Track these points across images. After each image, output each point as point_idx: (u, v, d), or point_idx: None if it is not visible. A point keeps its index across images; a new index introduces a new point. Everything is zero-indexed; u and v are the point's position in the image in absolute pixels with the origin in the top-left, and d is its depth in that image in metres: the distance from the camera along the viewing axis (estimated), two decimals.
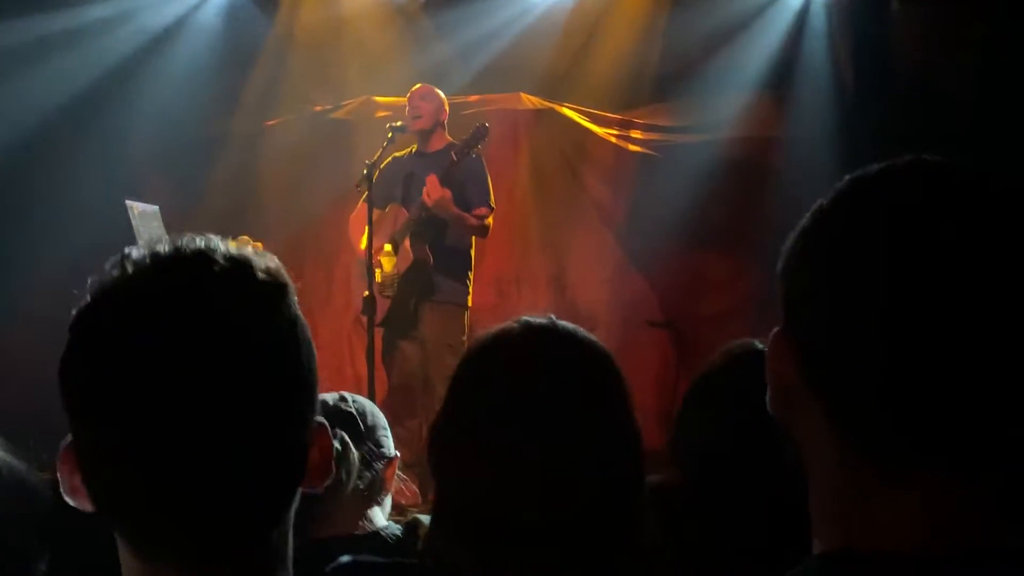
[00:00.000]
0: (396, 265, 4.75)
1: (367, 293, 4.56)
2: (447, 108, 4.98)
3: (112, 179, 5.82)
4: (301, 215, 5.81)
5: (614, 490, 1.25)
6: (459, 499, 1.26)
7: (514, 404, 1.25)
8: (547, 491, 1.21)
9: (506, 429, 1.23)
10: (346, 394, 1.95)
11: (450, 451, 1.30)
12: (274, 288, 0.85)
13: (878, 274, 0.77)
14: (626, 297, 6.11)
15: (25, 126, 5.53)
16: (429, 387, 4.70)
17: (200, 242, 0.84)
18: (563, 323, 1.32)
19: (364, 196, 4.79)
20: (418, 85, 4.97)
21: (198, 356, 0.79)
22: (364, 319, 4.52)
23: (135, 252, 0.84)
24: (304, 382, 0.86)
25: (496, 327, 1.34)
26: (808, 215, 0.83)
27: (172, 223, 5.16)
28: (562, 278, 6.30)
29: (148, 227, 4.79)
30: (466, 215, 4.71)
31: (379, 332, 4.71)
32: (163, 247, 0.84)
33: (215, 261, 0.83)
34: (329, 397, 1.91)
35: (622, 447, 1.28)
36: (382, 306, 4.68)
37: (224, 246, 0.85)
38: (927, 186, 0.79)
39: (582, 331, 1.33)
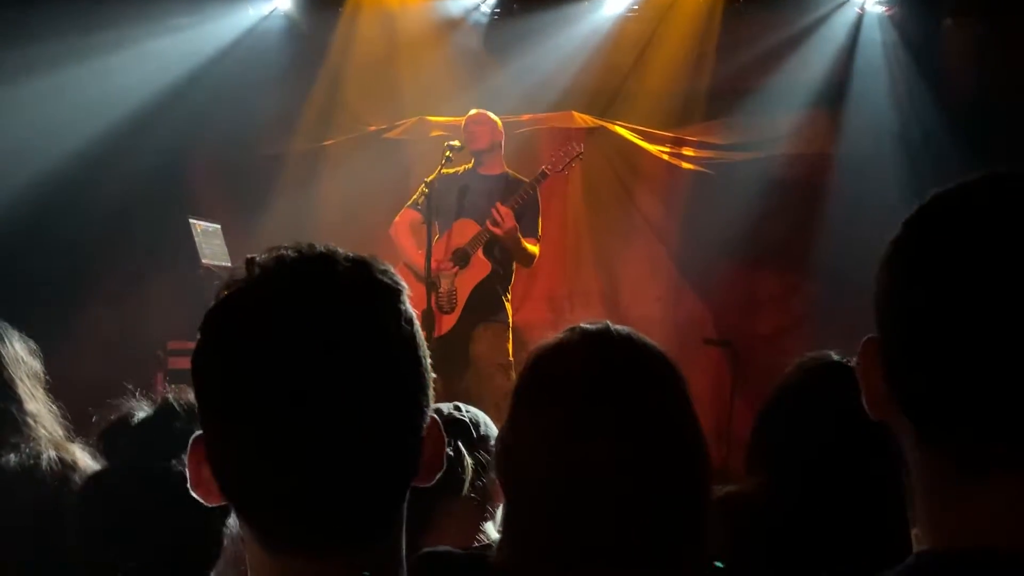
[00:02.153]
0: (454, 281, 4.79)
1: (425, 307, 4.60)
2: (501, 130, 5.03)
3: (172, 198, 5.95)
4: (357, 233, 5.90)
5: (681, 495, 1.25)
6: (530, 511, 1.27)
7: (579, 415, 1.25)
8: (617, 501, 1.21)
9: (573, 440, 1.23)
10: (460, 404, 1.96)
11: (518, 464, 1.30)
12: (393, 288, 0.88)
13: (953, 284, 0.79)
14: (680, 314, 6.10)
15: (83, 146, 5.64)
16: (478, 406, 4.71)
17: (320, 246, 0.88)
18: (618, 328, 1.32)
19: (409, 203, 4.90)
20: (473, 111, 5.02)
21: (328, 352, 0.82)
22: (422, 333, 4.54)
23: (261, 256, 0.87)
24: (422, 377, 0.89)
25: (552, 338, 1.34)
26: (900, 225, 0.86)
27: (232, 241, 5.26)
28: (615, 295, 6.30)
29: (210, 244, 4.89)
30: (526, 244, 4.76)
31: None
32: (287, 251, 0.87)
33: (338, 262, 0.87)
34: (444, 406, 1.93)
35: (688, 450, 1.28)
36: (439, 321, 4.72)
37: (342, 250, 0.89)
38: (1000, 200, 0.81)
39: (637, 334, 1.33)
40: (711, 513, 1.28)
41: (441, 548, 1.45)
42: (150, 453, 1.31)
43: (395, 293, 0.88)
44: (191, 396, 1.34)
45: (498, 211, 4.63)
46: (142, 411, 1.38)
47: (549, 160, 4.87)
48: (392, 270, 0.90)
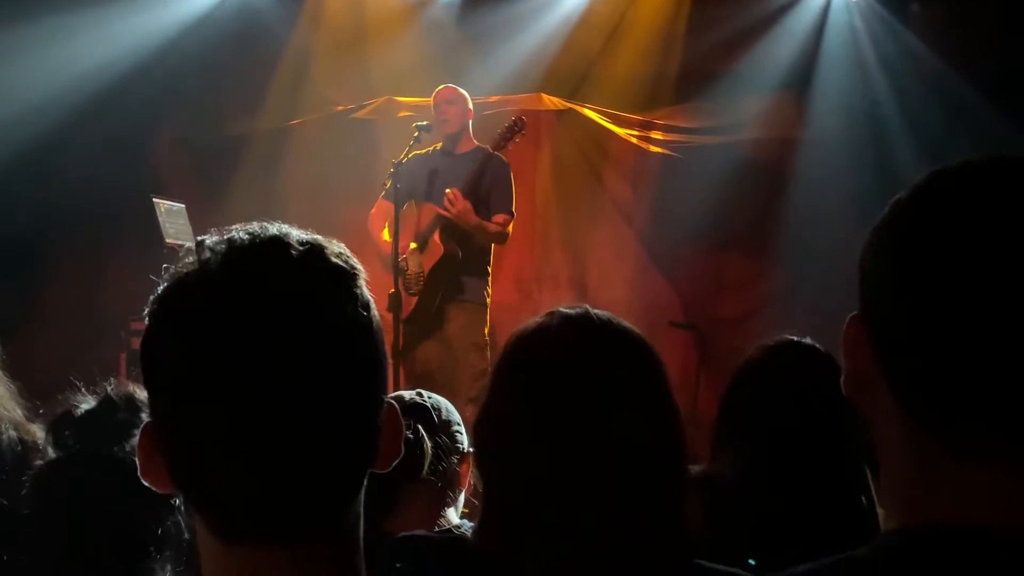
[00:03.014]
0: (421, 263, 4.77)
1: (392, 290, 4.59)
2: (471, 107, 4.98)
3: (136, 177, 5.87)
4: (324, 214, 5.86)
5: (660, 477, 1.26)
6: (507, 494, 1.27)
7: (557, 397, 1.25)
8: (596, 482, 1.22)
9: (551, 422, 1.24)
10: (422, 391, 1.96)
11: (495, 446, 1.31)
12: (347, 272, 0.86)
13: (956, 264, 0.79)
14: (646, 297, 6.12)
15: (46, 125, 5.54)
16: (452, 385, 4.71)
17: (273, 228, 0.86)
18: (598, 312, 1.33)
19: (383, 192, 4.83)
20: (441, 87, 4.97)
21: (279, 338, 0.80)
22: (389, 316, 4.54)
23: (210, 238, 0.85)
24: (378, 363, 0.87)
25: (532, 320, 1.35)
26: (888, 206, 0.85)
27: (196, 221, 5.20)
28: (583, 278, 6.31)
29: (174, 224, 4.84)
30: (486, 223, 4.72)
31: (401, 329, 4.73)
32: (239, 233, 0.85)
33: (291, 245, 0.84)
34: (406, 393, 1.95)
35: (666, 433, 1.29)
36: (407, 303, 4.71)
37: (296, 231, 0.86)
38: (1006, 181, 0.81)
39: (616, 318, 1.34)
40: (689, 494, 1.28)
41: (417, 532, 1.44)
42: (93, 443, 1.37)
43: (350, 277, 0.86)
44: (129, 388, 1.40)
45: (448, 194, 4.62)
46: (86, 404, 1.43)
47: (491, 139, 4.83)
48: (348, 253, 0.88)
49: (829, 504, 1.69)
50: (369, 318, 0.86)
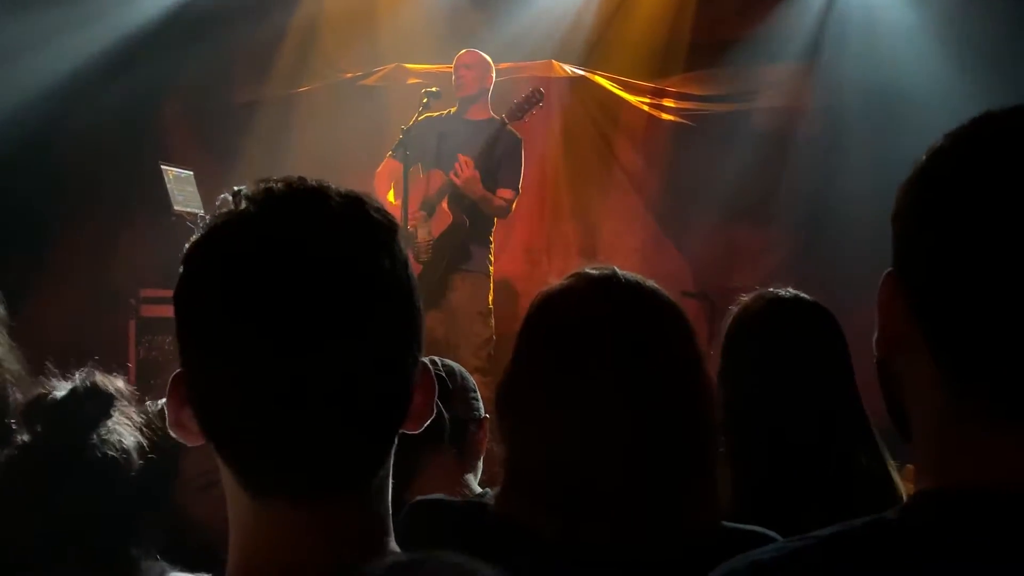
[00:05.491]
0: (430, 230, 4.76)
1: None
2: (493, 75, 4.95)
3: (144, 143, 5.85)
4: (332, 181, 5.83)
5: (688, 440, 1.24)
6: (532, 458, 1.25)
7: (585, 359, 1.23)
8: (623, 446, 1.20)
9: (578, 385, 1.22)
10: (435, 358, 1.95)
11: (519, 410, 1.29)
12: (387, 226, 0.85)
13: (1002, 214, 0.75)
14: (657, 267, 6.07)
15: (55, 90, 5.52)
16: (457, 354, 4.71)
17: (311, 180, 0.85)
18: (625, 273, 1.31)
19: (391, 152, 4.81)
20: (464, 51, 4.95)
21: (316, 288, 0.79)
22: None
23: (248, 188, 0.84)
24: (415, 320, 0.86)
25: (557, 282, 1.32)
26: (927, 154, 0.81)
27: (204, 189, 5.18)
28: (593, 247, 6.27)
29: (183, 191, 4.83)
30: (491, 196, 4.71)
31: None
32: (276, 183, 0.84)
33: (331, 197, 0.83)
34: None
35: (695, 396, 1.26)
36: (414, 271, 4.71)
37: (336, 185, 0.85)
38: None
39: (645, 280, 1.31)
40: (718, 460, 1.26)
41: (435, 496, 1.43)
42: (59, 433, 1.36)
43: (390, 232, 0.85)
44: (98, 379, 1.38)
45: (460, 160, 4.60)
46: (59, 391, 1.41)
47: (508, 108, 4.80)
48: (386, 208, 0.87)
49: (824, 465, 1.70)
50: (407, 275, 0.85)
